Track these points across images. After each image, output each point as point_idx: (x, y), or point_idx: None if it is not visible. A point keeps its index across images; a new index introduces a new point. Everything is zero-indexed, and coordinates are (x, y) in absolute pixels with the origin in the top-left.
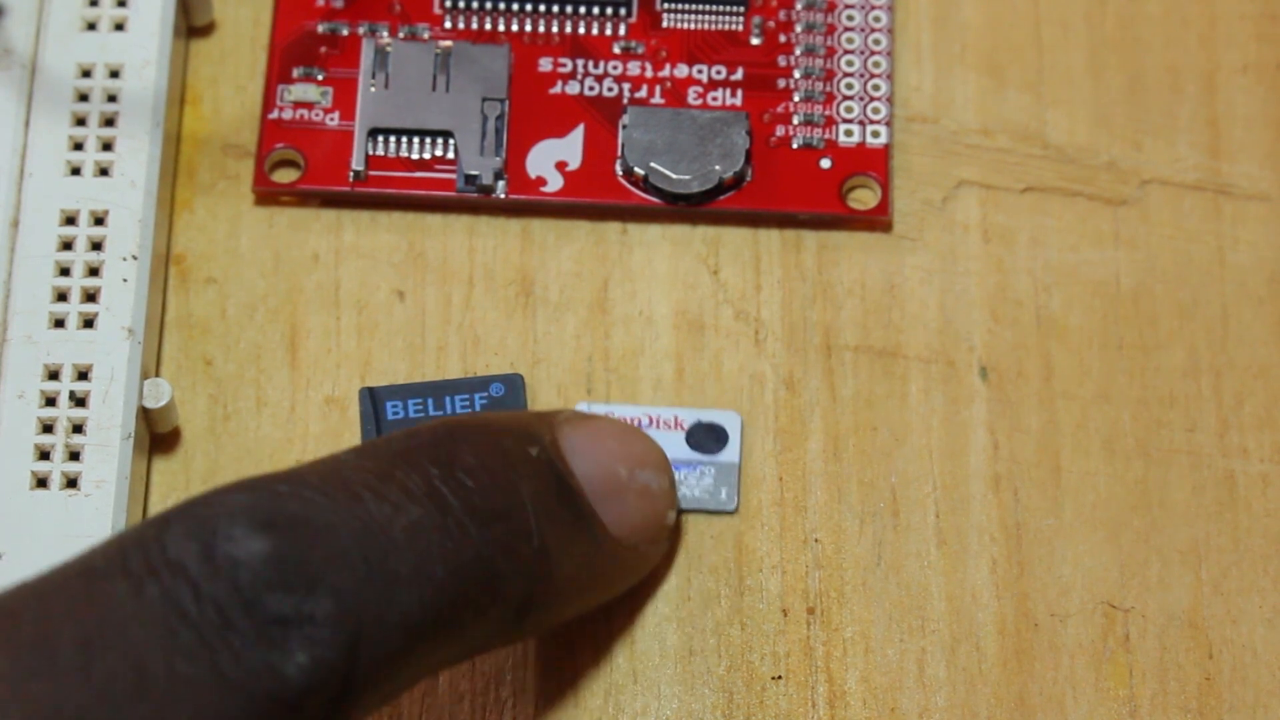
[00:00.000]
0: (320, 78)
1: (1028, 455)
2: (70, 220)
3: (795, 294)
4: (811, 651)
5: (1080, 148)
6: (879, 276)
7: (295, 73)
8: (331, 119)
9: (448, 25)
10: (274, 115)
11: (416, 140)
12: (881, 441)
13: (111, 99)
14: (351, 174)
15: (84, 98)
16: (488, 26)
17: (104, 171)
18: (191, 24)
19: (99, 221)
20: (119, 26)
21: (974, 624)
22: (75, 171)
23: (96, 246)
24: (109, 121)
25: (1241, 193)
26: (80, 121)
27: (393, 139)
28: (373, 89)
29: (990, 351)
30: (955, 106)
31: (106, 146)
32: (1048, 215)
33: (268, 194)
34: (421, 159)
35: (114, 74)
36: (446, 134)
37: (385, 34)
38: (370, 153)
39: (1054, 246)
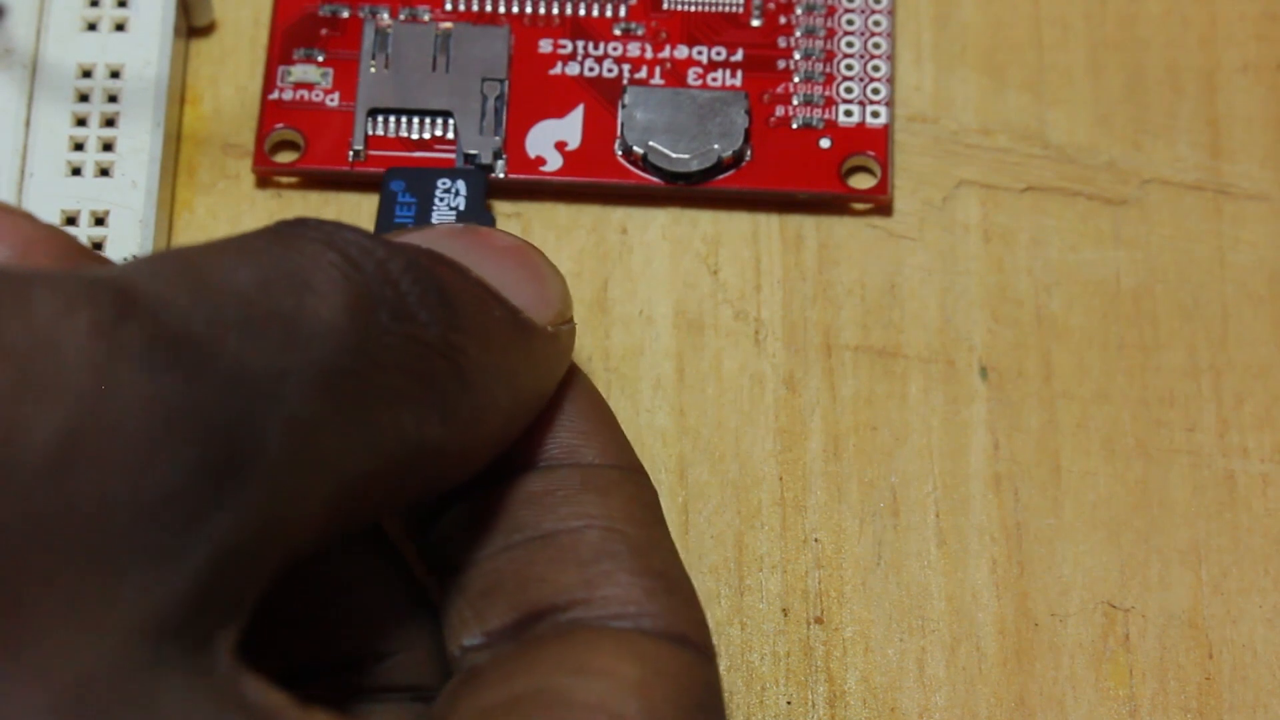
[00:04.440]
0: (321, 59)
1: (1028, 455)
2: (71, 220)
3: (795, 294)
4: (811, 651)
5: (1080, 148)
6: (879, 276)
7: (296, 54)
8: (332, 99)
9: (448, 7)
10: (274, 96)
11: (416, 120)
12: (881, 441)
13: (112, 99)
14: (351, 154)
15: (85, 98)
16: (488, 8)
17: (105, 172)
18: (192, 24)
19: (100, 222)
20: (120, 27)
21: (974, 624)
22: (76, 172)
23: (97, 247)
24: (110, 122)
25: (1241, 193)
26: (81, 122)
27: (393, 119)
28: (373, 70)
29: (990, 351)
30: (955, 106)
31: (107, 147)
32: (1048, 215)
33: (268, 173)
34: (421, 139)
35: (115, 74)
36: (446, 114)
37: (385, 15)
38: (370, 133)
39: (1054, 246)
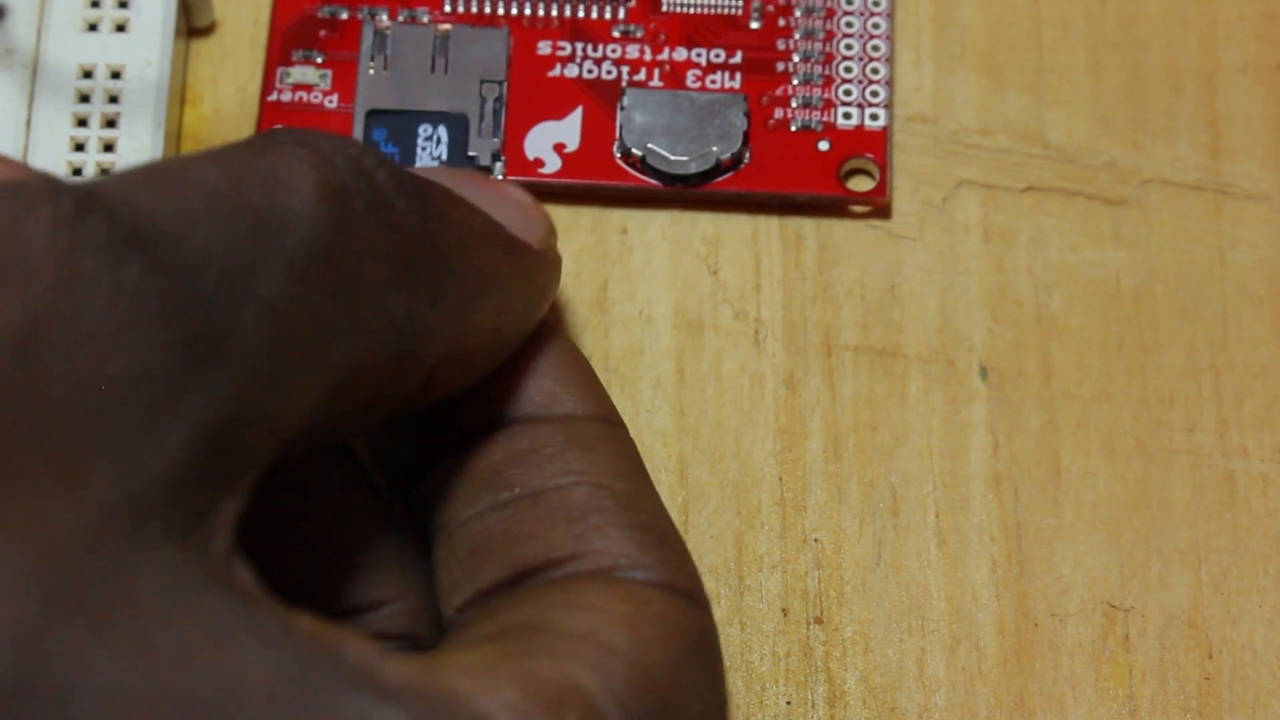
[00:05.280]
0: (320, 61)
1: (1028, 455)
2: None
3: (795, 294)
4: (811, 651)
5: (1080, 148)
6: (879, 276)
7: (295, 56)
8: (331, 101)
9: (447, 8)
10: (273, 98)
11: None
12: (881, 441)
13: (113, 100)
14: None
15: (85, 98)
16: (486, 10)
17: (105, 173)
18: (192, 25)
19: None
20: (120, 27)
21: (974, 624)
22: (77, 172)
23: None
24: (111, 122)
25: (1241, 193)
26: (82, 122)
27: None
28: (372, 71)
29: (990, 351)
30: (955, 106)
31: (108, 148)
32: (1048, 215)
33: None
34: None
35: (115, 75)
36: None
37: (384, 17)
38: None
39: (1054, 246)
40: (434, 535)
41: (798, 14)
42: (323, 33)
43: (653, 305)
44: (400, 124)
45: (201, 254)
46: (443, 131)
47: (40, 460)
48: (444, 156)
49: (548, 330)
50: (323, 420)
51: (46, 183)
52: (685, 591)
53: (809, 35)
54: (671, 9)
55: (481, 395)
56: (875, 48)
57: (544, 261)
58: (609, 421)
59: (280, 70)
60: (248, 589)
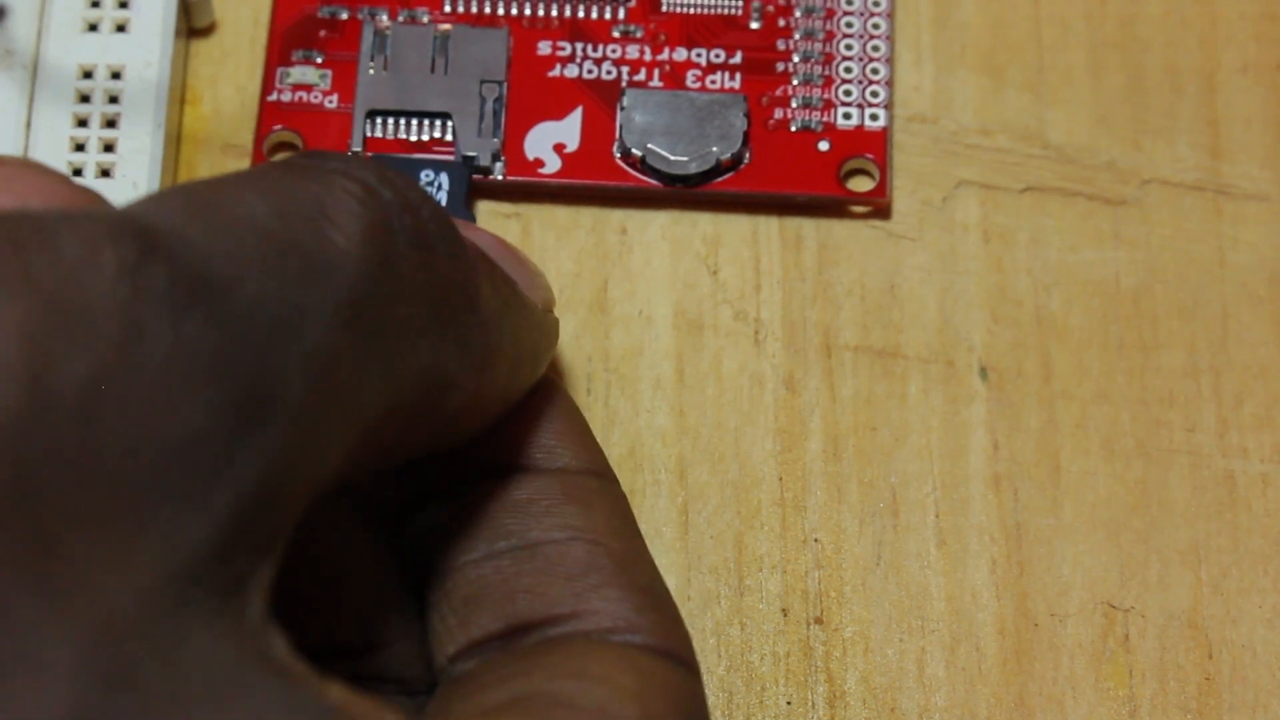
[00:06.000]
0: (320, 60)
1: (1028, 455)
2: None
3: (795, 294)
4: (811, 651)
5: (1080, 148)
6: (879, 276)
7: (295, 56)
8: (330, 101)
9: (447, 8)
10: (273, 98)
11: (415, 122)
12: (881, 441)
13: (113, 100)
14: (350, 154)
15: (86, 99)
16: (486, 10)
17: (106, 173)
18: (192, 25)
19: None
20: (121, 28)
21: (974, 624)
22: (77, 173)
23: None
24: (111, 123)
25: (1241, 193)
26: (82, 122)
27: (391, 120)
28: (371, 71)
29: (990, 351)
30: (955, 106)
31: (108, 148)
32: (1048, 215)
33: None
34: (420, 140)
35: (115, 75)
36: (445, 116)
37: (384, 17)
38: (369, 134)
39: (1054, 246)
40: (425, 579)
41: (798, 14)
42: (323, 33)
43: (653, 305)
44: (402, 169)
45: (253, 303)
46: (445, 179)
47: (95, 529)
48: (443, 202)
49: (547, 382)
50: (348, 469)
51: (106, 220)
52: (681, 658)
53: (809, 35)
54: (671, 9)
55: (477, 441)
56: (875, 48)
57: (549, 321)
58: (604, 476)
59: (280, 70)
60: (283, 660)
